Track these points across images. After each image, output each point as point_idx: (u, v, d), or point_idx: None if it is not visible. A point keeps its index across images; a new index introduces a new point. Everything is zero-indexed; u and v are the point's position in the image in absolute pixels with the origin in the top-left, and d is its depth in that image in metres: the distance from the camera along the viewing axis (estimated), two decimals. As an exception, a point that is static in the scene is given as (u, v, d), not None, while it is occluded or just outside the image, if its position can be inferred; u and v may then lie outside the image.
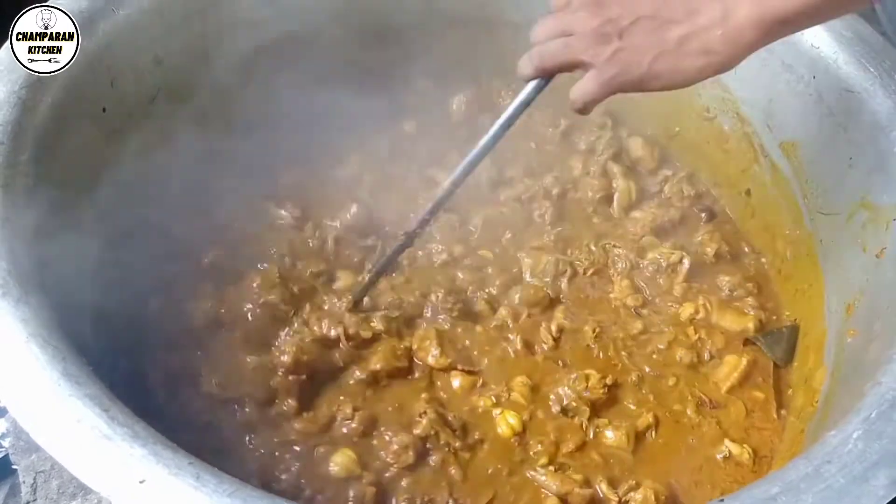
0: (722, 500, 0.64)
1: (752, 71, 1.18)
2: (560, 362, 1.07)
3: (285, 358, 0.96)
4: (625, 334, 1.11)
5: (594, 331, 1.10)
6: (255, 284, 1.04)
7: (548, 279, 1.17)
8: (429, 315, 1.10)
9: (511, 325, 1.10)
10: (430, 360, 1.03)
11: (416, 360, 1.05)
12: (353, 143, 1.32)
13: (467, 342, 1.07)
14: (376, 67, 1.35)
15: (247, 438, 0.93)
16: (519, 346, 1.08)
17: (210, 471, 0.61)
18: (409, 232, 1.02)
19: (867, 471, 0.65)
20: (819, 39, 1.07)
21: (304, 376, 0.97)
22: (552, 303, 1.15)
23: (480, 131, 1.36)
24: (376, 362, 1.01)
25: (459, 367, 1.04)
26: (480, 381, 1.03)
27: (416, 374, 1.04)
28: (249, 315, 1.02)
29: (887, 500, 0.63)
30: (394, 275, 1.13)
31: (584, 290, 1.18)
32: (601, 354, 1.09)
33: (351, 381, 1.01)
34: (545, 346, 1.09)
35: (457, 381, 1.03)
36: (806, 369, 1.06)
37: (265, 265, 1.09)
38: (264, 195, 1.21)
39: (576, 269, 1.19)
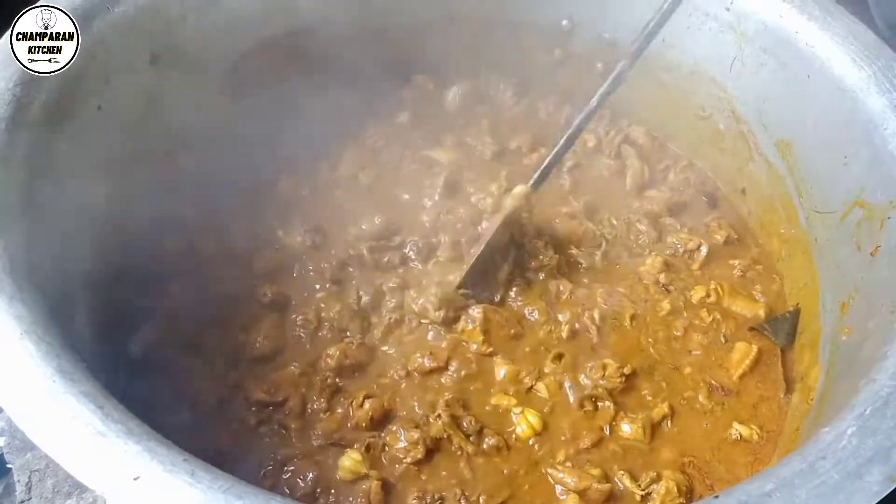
0: (717, 497, 0.64)
1: (747, 70, 1.19)
2: (594, 349, 1.08)
3: (330, 361, 1.02)
4: (653, 317, 1.13)
5: (631, 316, 1.12)
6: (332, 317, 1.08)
7: (583, 249, 1.19)
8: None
9: (555, 301, 1.13)
10: (474, 348, 1.07)
11: (463, 334, 1.07)
12: (347, 139, 1.33)
13: (512, 330, 1.09)
14: (373, 63, 1.35)
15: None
16: (564, 336, 1.09)
17: (205, 467, 0.61)
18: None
19: (861, 467, 0.65)
20: (814, 38, 1.08)
21: (337, 379, 1.02)
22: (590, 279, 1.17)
23: (476, 120, 1.36)
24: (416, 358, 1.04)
25: (499, 353, 1.06)
26: (521, 371, 1.05)
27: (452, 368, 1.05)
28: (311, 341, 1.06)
29: (881, 497, 0.63)
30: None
31: (617, 261, 1.20)
32: (635, 342, 1.10)
33: (385, 376, 1.03)
34: (590, 335, 1.10)
35: (503, 370, 1.05)
36: (801, 368, 1.07)
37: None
38: (269, 212, 1.21)
39: (608, 240, 1.22)
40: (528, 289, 1.14)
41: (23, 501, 1.01)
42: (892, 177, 0.95)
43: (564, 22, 1.34)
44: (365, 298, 1.10)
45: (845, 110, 1.02)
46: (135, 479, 0.60)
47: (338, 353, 1.02)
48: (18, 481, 1.02)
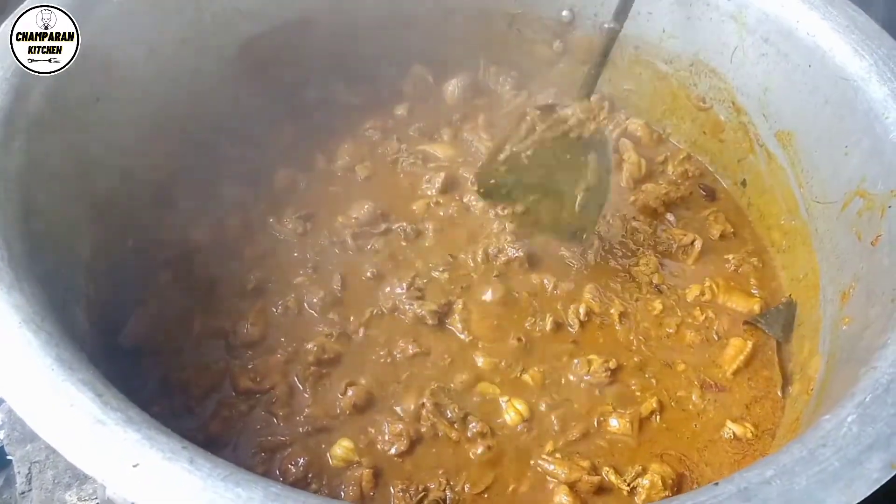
0: (717, 484, 0.64)
1: (748, 60, 1.19)
2: (578, 345, 1.08)
3: (309, 357, 1.01)
4: (643, 315, 1.12)
5: (619, 314, 1.11)
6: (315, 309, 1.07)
7: (576, 250, 1.18)
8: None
9: (544, 294, 1.12)
10: (461, 336, 1.07)
11: (448, 326, 1.07)
12: (345, 131, 1.32)
13: (496, 321, 1.09)
14: (371, 55, 1.35)
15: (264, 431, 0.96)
16: (548, 328, 1.08)
17: (204, 455, 0.61)
18: None
19: (861, 454, 0.65)
20: (815, 28, 1.07)
21: (324, 370, 1.01)
22: (580, 276, 1.16)
23: (474, 114, 1.36)
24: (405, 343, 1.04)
25: (480, 344, 1.06)
26: (503, 361, 1.04)
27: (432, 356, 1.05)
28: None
29: (881, 483, 0.63)
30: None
31: (609, 260, 1.19)
32: (623, 338, 1.09)
33: (368, 362, 1.03)
34: (572, 330, 1.09)
35: (480, 359, 1.05)
36: (801, 358, 1.07)
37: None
38: (264, 202, 1.20)
39: (603, 239, 1.21)
40: (510, 277, 1.15)
41: (23, 493, 1.01)
42: (892, 166, 0.94)
43: (565, 13, 1.34)
44: (344, 285, 1.10)
45: (846, 100, 1.02)
46: (134, 466, 0.59)
47: (315, 348, 1.02)
48: (19, 473, 1.02)
